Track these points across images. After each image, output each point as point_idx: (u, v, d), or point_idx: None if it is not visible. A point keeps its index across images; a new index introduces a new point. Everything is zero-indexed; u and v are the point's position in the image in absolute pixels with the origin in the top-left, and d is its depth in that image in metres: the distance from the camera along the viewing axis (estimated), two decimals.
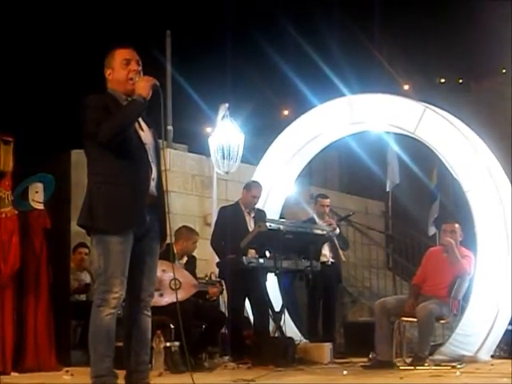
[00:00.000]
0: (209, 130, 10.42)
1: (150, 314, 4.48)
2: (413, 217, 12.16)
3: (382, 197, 12.98)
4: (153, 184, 4.43)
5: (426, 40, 13.42)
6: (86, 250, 8.67)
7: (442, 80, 15.14)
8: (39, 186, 7.31)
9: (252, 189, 8.12)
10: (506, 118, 12.27)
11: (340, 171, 15.15)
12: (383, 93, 8.52)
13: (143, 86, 4.35)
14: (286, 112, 13.73)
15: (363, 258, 12.11)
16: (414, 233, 11.97)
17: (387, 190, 12.21)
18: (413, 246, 11.82)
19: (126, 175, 4.31)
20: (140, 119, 4.51)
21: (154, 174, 4.43)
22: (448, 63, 13.97)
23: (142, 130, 4.48)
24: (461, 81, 15.08)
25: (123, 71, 4.45)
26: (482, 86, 14.18)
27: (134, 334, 4.40)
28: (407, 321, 7.18)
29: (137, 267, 4.37)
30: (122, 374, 4.39)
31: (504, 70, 13.74)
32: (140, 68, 4.49)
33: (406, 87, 14.03)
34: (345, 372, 6.41)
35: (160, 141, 4.59)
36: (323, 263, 8.46)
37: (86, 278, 8.72)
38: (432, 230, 11.32)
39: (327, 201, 8.90)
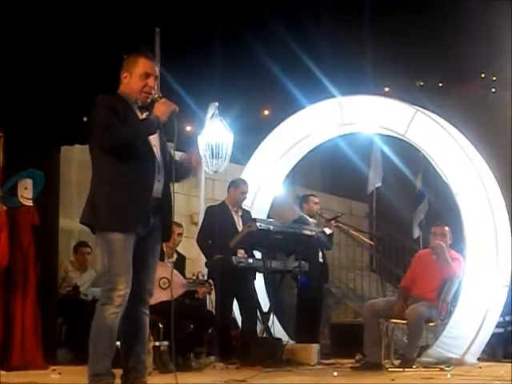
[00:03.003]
0: (192, 128, 10.34)
1: (147, 312, 4.50)
2: (397, 219, 12.18)
3: (367, 198, 13.00)
4: (159, 186, 4.42)
5: (407, 44, 13.43)
6: (88, 250, 8.54)
7: (421, 83, 15.14)
8: (28, 182, 7.24)
9: (240, 185, 8.11)
10: (488, 122, 12.31)
11: (322, 172, 15.12)
12: (366, 94, 8.51)
13: (163, 111, 4.37)
14: (266, 112, 13.62)
15: (347, 259, 12.13)
16: (399, 235, 12.01)
17: (368, 192, 12.23)
18: (396, 248, 11.85)
19: (130, 175, 4.30)
20: None
21: (161, 177, 4.43)
22: (428, 68, 14.00)
23: None
24: (440, 84, 15.11)
25: (140, 82, 4.44)
26: (462, 90, 14.24)
27: (133, 332, 4.40)
28: (396, 323, 7.21)
29: (139, 266, 4.37)
30: (117, 373, 4.36)
31: (483, 75, 13.80)
32: (156, 84, 4.51)
33: (386, 89, 14.04)
34: (335, 373, 6.41)
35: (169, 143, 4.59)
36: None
37: (91, 277, 8.58)
38: (417, 233, 11.36)
39: (317, 199, 8.96)
